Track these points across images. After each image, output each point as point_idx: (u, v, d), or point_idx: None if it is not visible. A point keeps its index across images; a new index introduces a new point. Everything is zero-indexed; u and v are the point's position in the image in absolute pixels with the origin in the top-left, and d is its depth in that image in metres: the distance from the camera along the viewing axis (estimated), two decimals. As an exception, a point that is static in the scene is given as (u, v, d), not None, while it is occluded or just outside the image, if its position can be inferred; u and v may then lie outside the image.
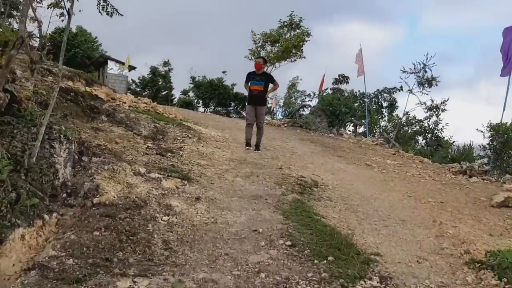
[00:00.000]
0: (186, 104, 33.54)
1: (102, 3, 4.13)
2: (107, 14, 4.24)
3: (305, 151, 10.09)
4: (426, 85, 14.16)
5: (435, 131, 17.61)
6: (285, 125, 20.31)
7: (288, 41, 19.88)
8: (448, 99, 15.50)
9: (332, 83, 27.19)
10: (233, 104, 35.84)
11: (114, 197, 4.10)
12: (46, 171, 3.94)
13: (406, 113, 20.86)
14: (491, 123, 11.59)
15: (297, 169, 7.43)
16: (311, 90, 43.85)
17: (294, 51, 20.38)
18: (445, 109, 15.50)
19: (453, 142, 17.06)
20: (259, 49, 21.11)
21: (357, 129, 19.57)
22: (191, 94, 35.29)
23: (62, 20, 22.68)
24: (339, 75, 26.70)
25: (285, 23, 20.90)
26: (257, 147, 9.12)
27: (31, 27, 24.69)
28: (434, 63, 13.96)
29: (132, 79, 37.15)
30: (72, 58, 35.90)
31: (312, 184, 6.23)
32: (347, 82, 26.13)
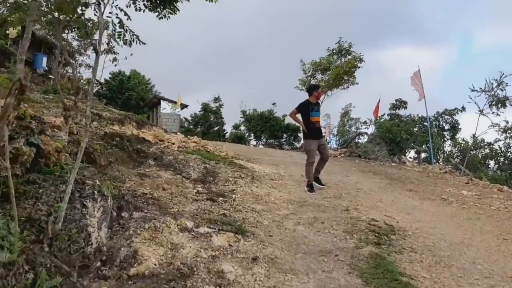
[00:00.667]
0: (238, 138, 33.28)
1: (118, 31, 3.59)
2: (125, 43, 3.70)
3: (371, 186, 9.08)
4: (499, 105, 12.77)
5: (508, 154, 15.93)
6: (342, 155, 19.30)
7: (339, 68, 19.09)
8: None
9: (389, 109, 25.94)
10: (284, 135, 35.18)
11: (155, 264, 3.41)
12: (76, 237, 3.33)
13: (474, 136, 19.26)
14: None
15: (366, 210, 6.49)
16: (365, 117, 42.52)
17: (346, 78, 19.54)
18: None
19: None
20: (309, 78, 20.47)
21: (420, 156, 18.17)
22: (242, 128, 35.04)
23: (116, 65, 23.36)
24: (396, 100, 25.47)
25: (334, 51, 20.21)
26: (319, 181, 8.28)
27: (87, 73, 25.51)
28: (507, 83, 12.60)
29: (184, 117, 37.62)
30: (126, 100, 36.96)
31: (388, 230, 5.27)
32: (405, 107, 24.82)
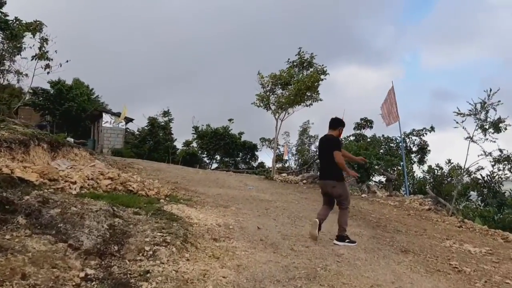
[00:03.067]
0: (190, 155, 30.37)
1: None
2: None
3: (354, 248, 6.63)
4: (491, 129, 10.80)
5: (492, 185, 14.03)
6: (304, 181, 16.90)
7: (301, 82, 16.77)
8: None
9: (354, 128, 23.91)
10: (240, 154, 32.60)
11: None
12: None
13: (449, 162, 17.44)
14: None
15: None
16: (321, 134, 40.71)
17: (309, 94, 17.25)
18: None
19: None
20: (268, 93, 18.03)
21: (390, 184, 16.06)
22: (194, 145, 32.19)
23: (48, 73, 20.00)
24: (361, 119, 23.46)
25: (295, 63, 17.95)
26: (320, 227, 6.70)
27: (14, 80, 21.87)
28: (500, 101, 10.64)
29: (131, 131, 34.35)
30: (65, 112, 33.30)
31: None
32: (371, 127, 22.86)
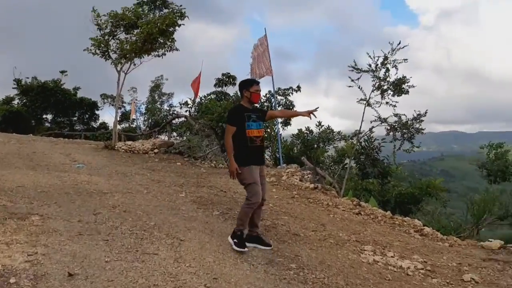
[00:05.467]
0: (14, 115, 24.14)
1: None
2: None
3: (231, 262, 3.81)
4: (392, 90, 8.89)
5: (370, 151, 12.57)
6: (156, 151, 13.49)
7: (151, 24, 13.01)
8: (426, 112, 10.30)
9: (215, 85, 20.93)
10: (77, 113, 27.34)
11: None
12: None
13: (320, 124, 15.77)
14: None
15: None
16: (176, 93, 36.96)
17: (162, 40, 13.61)
18: (421, 130, 10.30)
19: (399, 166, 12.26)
20: (107, 37, 13.83)
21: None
22: (16, 102, 25.88)
23: None
24: (223, 75, 20.55)
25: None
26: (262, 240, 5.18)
27: None
28: (406, 59, 8.71)
29: None
30: None
31: None
32: (234, 84, 20.16)
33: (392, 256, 5.42)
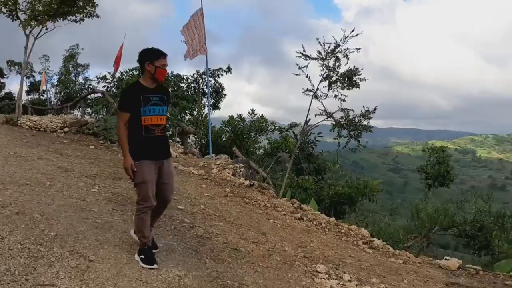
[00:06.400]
0: None
1: None
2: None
3: None
4: (342, 82, 8.08)
5: (304, 145, 11.79)
6: (66, 129, 11.66)
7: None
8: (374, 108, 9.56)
9: (138, 61, 19.00)
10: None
11: None
12: None
13: (246, 115, 14.80)
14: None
15: None
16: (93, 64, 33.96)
17: (81, 3, 11.71)
18: (370, 128, 9.54)
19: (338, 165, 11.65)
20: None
21: (187, 139, 12.41)
22: None
23: None
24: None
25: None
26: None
27: None
28: (359, 48, 7.91)
29: None
30: None
31: None
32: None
33: (349, 280, 4.57)
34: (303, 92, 8.47)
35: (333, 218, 7.02)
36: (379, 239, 6.59)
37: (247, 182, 8.43)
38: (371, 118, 8.78)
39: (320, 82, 8.46)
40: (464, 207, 12.86)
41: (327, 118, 8.72)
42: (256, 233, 5.78)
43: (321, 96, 8.49)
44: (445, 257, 5.74)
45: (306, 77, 8.27)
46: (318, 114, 8.68)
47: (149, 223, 4.02)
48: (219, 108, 18.44)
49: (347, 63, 8.35)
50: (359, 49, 8.16)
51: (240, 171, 9.83)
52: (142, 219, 3.93)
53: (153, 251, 4.08)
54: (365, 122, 8.74)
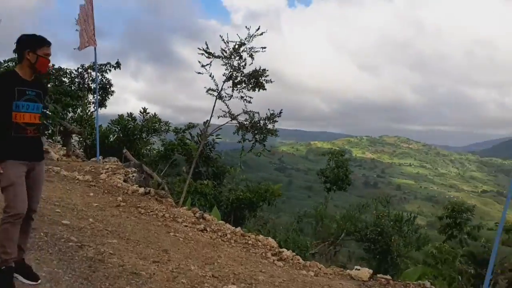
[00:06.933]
0: None
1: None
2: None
3: None
4: (246, 84, 7.62)
5: (202, 147, 11.13)
6: None
7: None
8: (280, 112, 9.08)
9: (14, 51, 16.64)
10: None
11: None
12: None
13: (133, 113, 13.81)
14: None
15: None
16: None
17: None
18: (276, 132, 9.03)
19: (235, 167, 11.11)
20: None
21: (70, 139, 10.96)
22: None
23: None
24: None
25: None
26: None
27: None
28: (264, 47, 7.50)
29: None
30: None
31: None
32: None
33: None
34: (206, 91, 7.91)
35: (238, 228, 6.54)
36: (288, 249, 6.27)
37: (141, 190, 7.59)
38: (277, 121, 8.55)
39: (225, 82, 7.97)
40: (366, 211, 13.37)
41: (231, 121, 8.27)
42: (156, 251, 5.07)
43: (225, 96, 8.01)
44: (356, 267, 5.60)
45: (210, 76, 7.74)
46: (221, 116, 8.21)
47: (15, 237, 3.31)
48: (105, 106, 16.96)
49: (252, 63, 8.01)
50: (265, 48, 7.86)
51: (133, 176, 8.92)
52: (7, 230, 3.25)
53: (32, 283, 3.37)
54: (270, 126, 8.48)
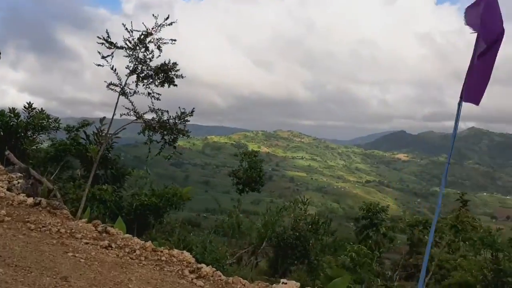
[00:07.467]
0: None
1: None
2: None
3: None
4: (153, 78, 6.84)
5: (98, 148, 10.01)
6: None
7: None
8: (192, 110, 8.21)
9: None
10: None
11: None
12: None
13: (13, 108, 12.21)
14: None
15: None
16: None
17: None
18: (188, 133, 8.17)
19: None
20: None
21: None
22: None
23: None
24: None
25: None
26: None
27: None
28: (174, 40, 6.77)
29: None
30: None
31: None
32: None
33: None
34: (107, 86, 7.02)
35: (149, 243, 5.84)
36: (206, 263, 5.74)
37: (30, 200, 6.51)
38: (188, 121, 7.90)
39: (128, 76, 7.13)
40: (282, 214, 13.19)
41: (136, 120, 7.46)
42: (54, 279, 4.25)
43: (129, 92, 7.19)
44: (282, 280, 5.28)
45: (112, 68, 6.84)
46: (124, 114, 7.35)
47: None
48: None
49: (160, 55, 7.29)
50: (175, 40, 7.16)
51: (18, 183, 7.69)
52: None
53: None
54: (181, 126, 7.82)
